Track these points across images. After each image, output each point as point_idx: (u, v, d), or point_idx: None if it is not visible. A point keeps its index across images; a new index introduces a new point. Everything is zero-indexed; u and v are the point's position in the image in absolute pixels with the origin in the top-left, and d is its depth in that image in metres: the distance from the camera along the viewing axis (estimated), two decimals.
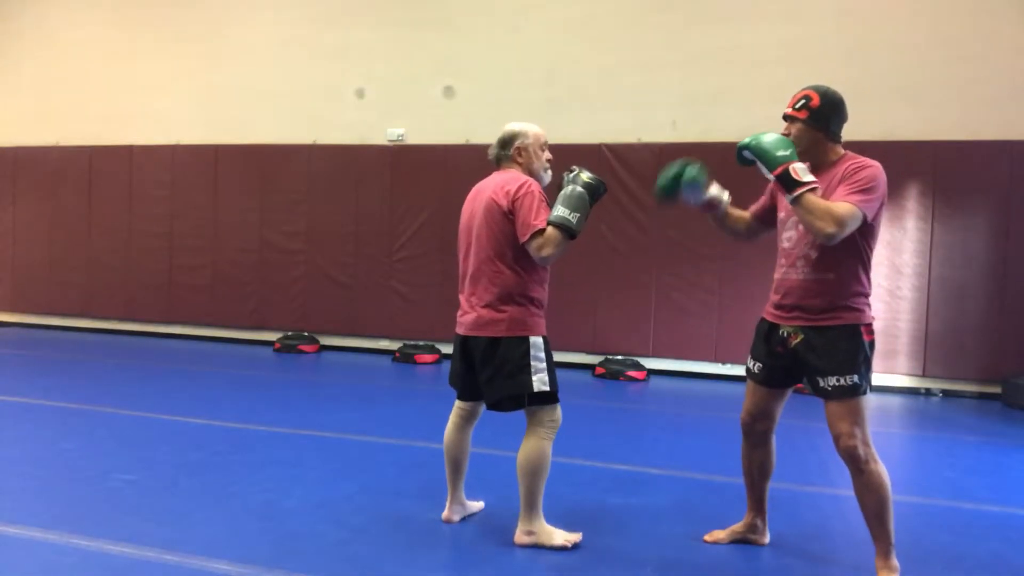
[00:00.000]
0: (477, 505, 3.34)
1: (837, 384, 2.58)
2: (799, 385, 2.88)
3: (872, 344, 2.64)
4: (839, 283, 2.61)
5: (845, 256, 2.60)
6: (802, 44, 7.20)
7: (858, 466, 2.59)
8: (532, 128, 3.02)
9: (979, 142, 6.81)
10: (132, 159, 9.18)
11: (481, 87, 8.11)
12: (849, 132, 2.74)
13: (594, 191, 2.84)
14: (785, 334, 2.73)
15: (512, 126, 3.02)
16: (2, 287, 9.76)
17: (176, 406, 5.30)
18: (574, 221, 2.73)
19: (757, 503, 3.05)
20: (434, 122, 8.21)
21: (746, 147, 2.61)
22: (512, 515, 3.08)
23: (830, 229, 2.45)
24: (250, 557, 2.75)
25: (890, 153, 6.95)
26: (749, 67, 7.32)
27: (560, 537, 2.93)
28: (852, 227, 2.48)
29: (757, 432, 2.94)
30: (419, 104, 8.29)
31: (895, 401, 6.67)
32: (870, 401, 2.64)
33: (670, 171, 2.84)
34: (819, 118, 2.65)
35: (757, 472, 2.99)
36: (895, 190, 6.93)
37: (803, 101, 2.68)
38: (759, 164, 2.58)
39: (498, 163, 3.05)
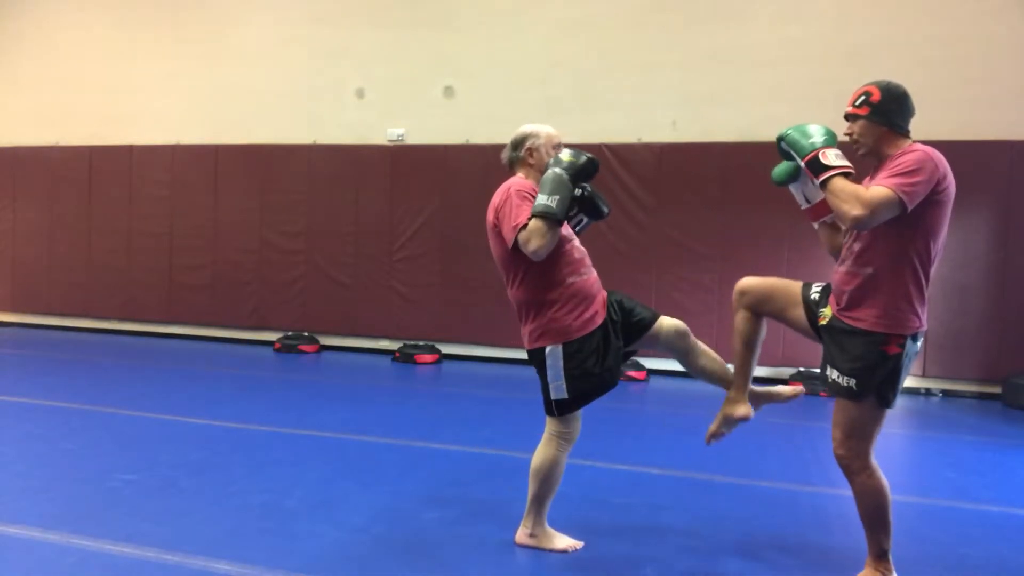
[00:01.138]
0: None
1: (834, 379, 2.55)
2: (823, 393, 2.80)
3: (897, 358, 2.46)
4: (877, 281, 2.47)
5: (887, 252, 2.46)
6: (802, 44, 7.20)
7: (847, 475, 2.59)
8: (544, 129, 2.94)
9: (979, 142, 6.80)
10: (132, 159, 9.18)
11: (481, 87, 8.11)
12: None
13: (575, 169, 2.71)
14: (823, 313, 2.67)
15: (524, 127, 2.95)
16: (2, 287, 9.77)
17: (176, 406, 5.30)
18: (554, 205, 2.63)
19: (741, 376, 2.93)
20: (434, 122, 8.21)
21: (783, 137, 2.53)
22: (512, 516, 3.08)
23: (856, 211, 2.32)
24: (250, 557, 2.75)
25: None
26: (749, 67, 7.32)
27: (562, 542, 2.93)
28: (885, 212, 2.34)
29: (751, 308, 2.84)
30: (419, 104, 8.29)
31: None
32: (880, 418, 2.54)
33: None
34: (881, 112, 2.53)
35: (741, 340, 2.88)
36: None
37: (863, 97, 2.57)
38: (793, 154, 2.50)
39: (511, 166, 2.99)
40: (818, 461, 4.39)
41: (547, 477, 2.85)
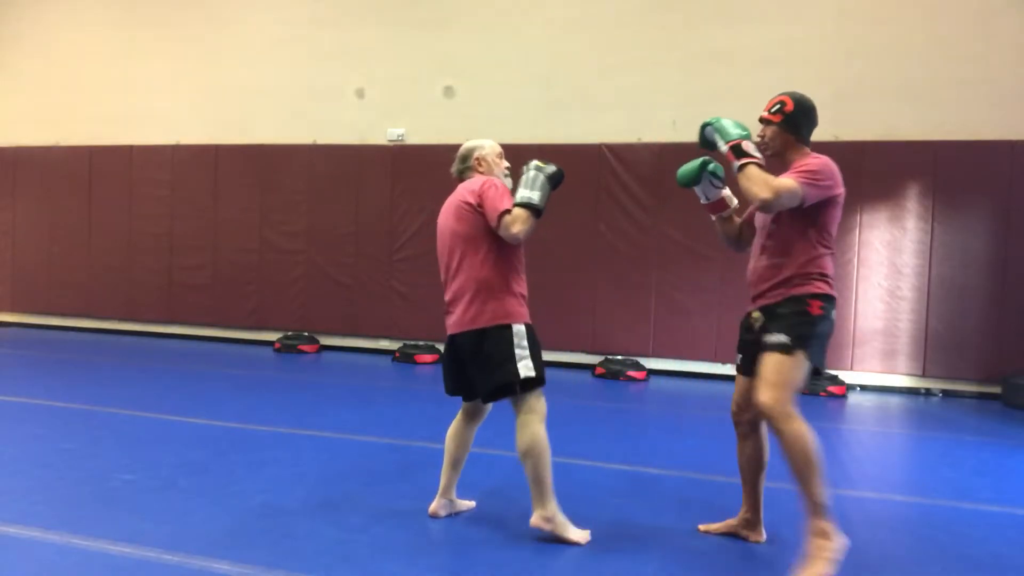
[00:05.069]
0: (467, 504, 3.36)
1: (772, 340, 2.74)
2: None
3: (821, 319, 2.73)
4: (791, 266, 2.79)
5: (795, 241, 2.79)
6: (802, 44, 7.20)
7: (773, 424, 2.69)
8: (488, 142, 3.31)
9: (979, 142, 6.81)
10: (132, 159, 9.18)
11: (481, 87, 8.11)
12: (850, 132, 2.77)
13: (553, 178, 3.01)
14: (752, 318, 2.93)
15: (468, 143, 3.28)
16: (2, 287, 9.77)
17: (176, 406, 5.30)
18: (537, 199, 2.93)
19: (751, 498, 3.08)
20: (434, 122, 8.22)
21: (708, 124, 2.89)
22: (512, 516, 3.08)
23: (764, 194, 2.63)
24: (250, 557, 2.75)
25: (890, 153, 6.96)
26: (749, 67, 7.33)
27: (575, 533, 2.98)
28: (788, 200, 2.66)
29: (743, 423, 3.03)
30: (419, 104, 8.30)
31: (895, 401, 6.67)
32: (803, 376, 2.72)
33: (696, 162, 3.06)
34: (791, 122, 2.86)
35: (748, 465, 3.06)
36: (895, 190, 6.94)
37: (778, 106, 2.88)
38: (717, 138, 2.83)
39: (460, 176, 3.29)
40: None
41: (539, 455, 2.90)
